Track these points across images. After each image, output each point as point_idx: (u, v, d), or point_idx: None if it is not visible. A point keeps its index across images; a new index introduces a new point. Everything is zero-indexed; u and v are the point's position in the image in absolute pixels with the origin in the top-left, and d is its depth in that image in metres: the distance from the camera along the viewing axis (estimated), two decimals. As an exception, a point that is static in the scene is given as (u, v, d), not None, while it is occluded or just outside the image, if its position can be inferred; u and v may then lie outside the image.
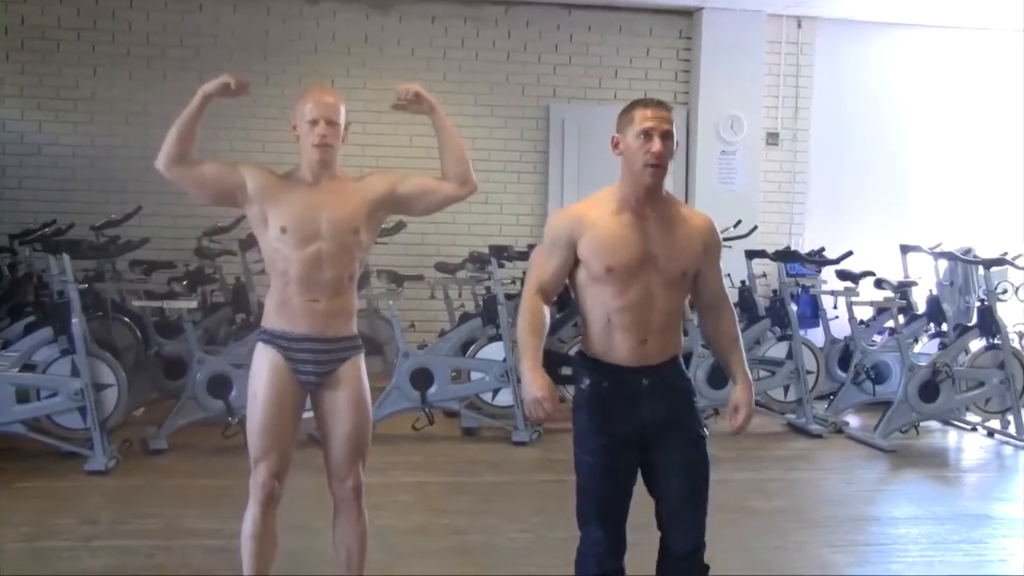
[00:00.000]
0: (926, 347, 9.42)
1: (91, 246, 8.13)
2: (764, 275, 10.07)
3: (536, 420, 3.47)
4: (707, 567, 3.61)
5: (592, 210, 3.55)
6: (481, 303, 8.63)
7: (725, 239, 3.93)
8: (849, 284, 8.88)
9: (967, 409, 8.72)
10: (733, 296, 8.03)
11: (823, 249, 9.73)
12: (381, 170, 4.16)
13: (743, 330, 6.94)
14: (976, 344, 8.71)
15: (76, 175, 10.16)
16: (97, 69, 10.17)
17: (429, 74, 10.38)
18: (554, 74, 10.92)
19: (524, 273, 8.92)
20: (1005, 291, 9.04)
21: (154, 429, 7.38)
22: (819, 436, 8.42)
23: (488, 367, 7.99)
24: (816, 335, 9.68)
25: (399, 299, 8.20)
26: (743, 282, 9.31)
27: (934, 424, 8.90)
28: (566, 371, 5.96)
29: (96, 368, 6.95)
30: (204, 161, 3.96)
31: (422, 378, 7.84)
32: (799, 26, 11.13)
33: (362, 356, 4.07)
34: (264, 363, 3.94)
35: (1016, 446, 8.40)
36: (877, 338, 9.67)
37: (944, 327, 9.26)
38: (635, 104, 3.53)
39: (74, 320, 6.79)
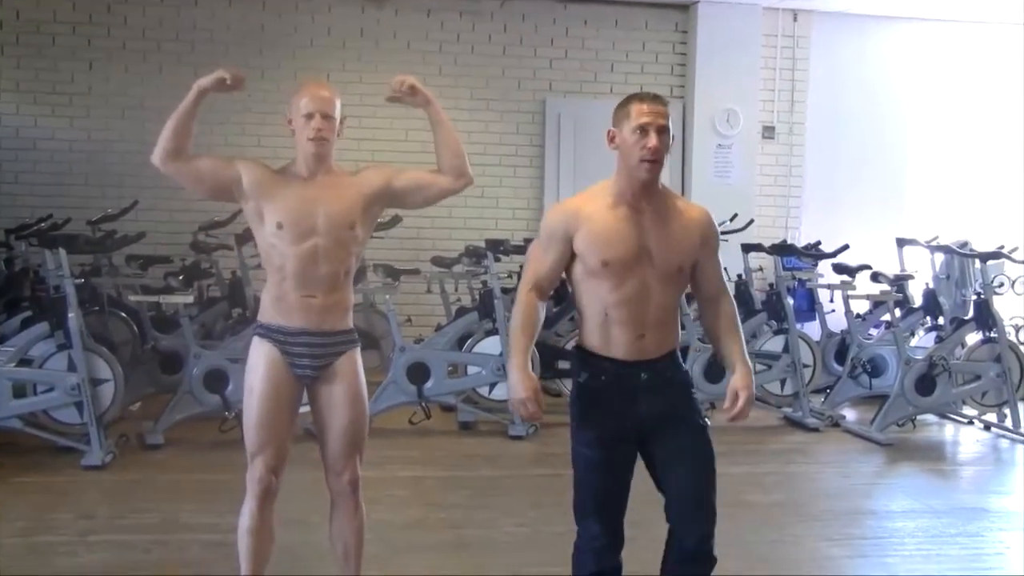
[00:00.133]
0: (922, 341, 9.42)
1: (87, 241, 8.12)
2: (760, 269, 10.06)
3: (522, 418, 3.49)
4: (715, 559, 3.60)
5: (588, 204, 3.55)
6: (477, 297, 8.62)
7: (721, 233, 3.91)
8: (845, 278, 8.89)
9: (964, 402, 8.72)
10: (730, 289, 8.02)
11: (819, 243, 9.74)
12: (377, 164, 4.15)
13: (740, 324, 6.93)
14: (973, 337, 8.71)
15: (72, 170, 10.17)
16: (93, 63, 10.16)
17: (425, 68, 10.38)
18: (550, 68, 10.92)
19: (521, 267, 9.02)
20: (1001, 284, 9.06)
21: (151, 424, 7.37)
22: (816, 430, 8.43)
23: (485, 361, 7.99)
24: (813, 329, 9.69)
25: (395, 293, 8.20)
26: (739, 276, 9.31)
27: (931, 418, 8.90)
28: (563, 365, 5.98)
29: (93, 363, 6.94)
30: (200, 156, 3.96)
31: (418, 372, 7.83)
32: (795, 19, 11.14)
33: (358, 350, 4.06)
34: (260, 357, 3.93)
35: (1013, 439, 8.41)
36: (873, 332, 9.68)
37: (940, 320, 9.28)
38: (631, 98, 3.51)
39: (70, 315, 6.78)
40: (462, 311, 8.67)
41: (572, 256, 3.55)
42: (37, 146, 10.16)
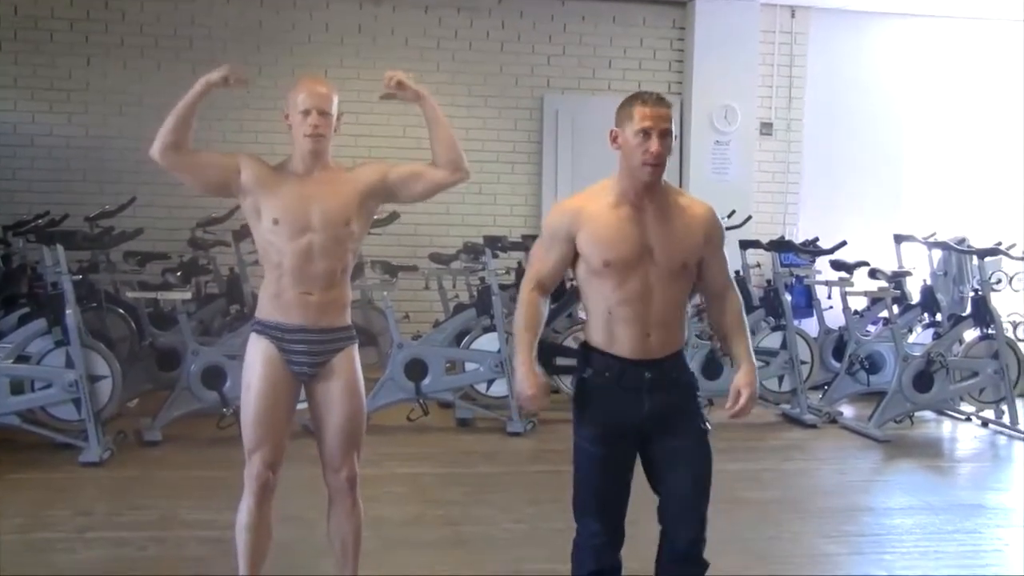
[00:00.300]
0: (920, 337, 9.42)
1: (85, 237, 8.11)
2: (758, 265, 10.06)
3: (526, 413, 3.53)
4: (707, 563, 3.61)
5: (591, 203, 3.55)
6: (475, 294, 8.62)
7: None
8: (843, 274, 8.89)
9: (961, 399, 8.74)
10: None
11: (817, 239, 9.74)
12: (373, 160, 4.15)
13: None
14: (970, 334, 8.72)
15: (70, 166, 10.15)
16: (91, 59, 10.14)
17: (423, 64, 10.37)
18: (548, 64, 10.91)
19: (519, 264, 9.06)
20: (999, 281, 9.05)
21: (148, 420, 7.37)
22: (813, 426, 8.43)
23: (482, 358, 7.99)
24: (810, 325, 9.70)
25: (393, 290, 8.20)
26: (737, 272, 9.26)
27: (928, 414, 8.91)
28: (562, 362, 5.96)
29: (90, 359, 6.94)
30: (199, 151, 3.97)
31: (416, 369, 7.84)
32: (793, 16, 11.13)
33: (356, 347, 4.06)
34: (257, 354, 3.93)
35: (1010, 436, 8.41)
36: (871, 328, 9.68)
37: (938, 317, 9.27)
38: (634, 100, 3.49)
39: (68, 311, 6.78)
40: (460, 307, 8.67)
41: (575, 255, 3.55)
42: (35, 142, 10.14)
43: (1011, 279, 9.25)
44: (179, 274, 8.43)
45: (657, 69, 11.04)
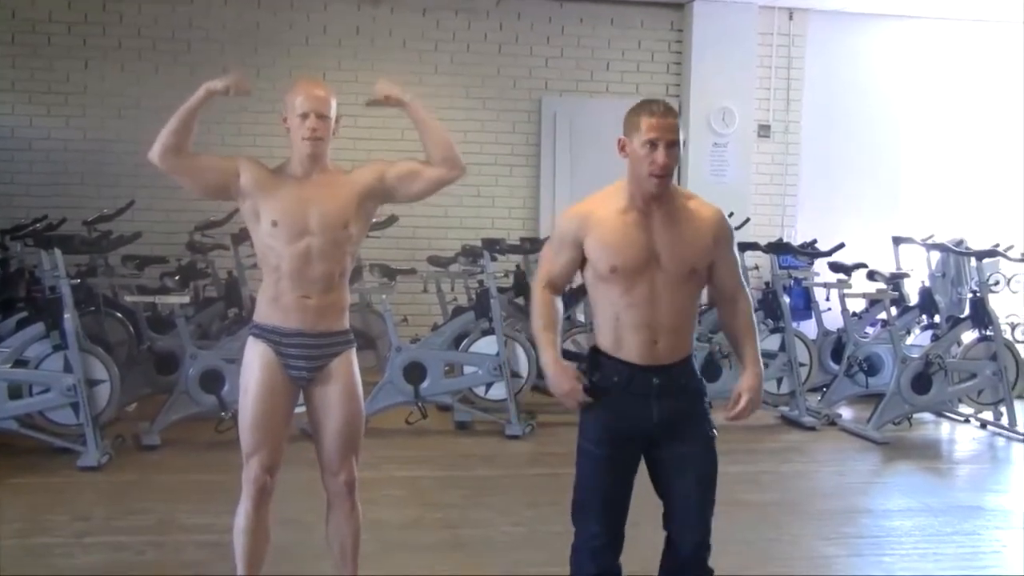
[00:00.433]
0: (919, 339, 9.43)
1: (83, 241, 8.10)
2: (756, 267, 10.06)
3: (571, 407, 3.53)
4: (711, 570, 3.61)
5: (600, 208, 3.55)
6: (474, 297, 8.61)
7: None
8: (842, 276, 8.89)
9: (960, 401, 8.73)
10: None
11: (815, 241, 9.74)
12: (371, 161, 4.15)
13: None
14: (968, 336, 8.71)
15: (68, 170, 10.14)
16: (88, 63, 10.14)
17: (421, 66, 10.40)
18: (546, 67, 10.91)
19: (517, 267, 9.07)
20: (997, 282, 9.07)
21: (147, 424, 7.37)
22: (812, 428, 8.42)
23: (481, 361, 7.99)
24: (809, 327, 9.69)
25: (392, 293, 8.19)
26: (736, 274, 9.28)
27: (927, 416, 8.91)
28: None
29: (89, 364, 6.92)
30: (199, 153, 3.97)
31: (415, 372, 7.83)
32: (790, 18, 11.14)
33: (354, 351, 4.06)
34: (255, 358, 3.93)
35: (1009, 437, 8.41)
36: (870, 330, 9.67)
37: (936, 319, 9.27)
38: (642, 110, 3.48)
39: (66, 315, 6.77)
40: (458, 311, 8.66)
41: (584, 259, 3.56)
42: (32, 146, 10.14)
43: (1009, 280, 9.26)
44: (177, 278, 8.42)
45: (655, 71, 11.05)
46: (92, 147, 10.17)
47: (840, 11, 11.03)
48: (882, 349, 8.86)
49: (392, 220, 8.77)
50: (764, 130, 11.17)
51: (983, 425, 8.72)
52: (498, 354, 7.91)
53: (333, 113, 3.92)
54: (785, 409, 8.73)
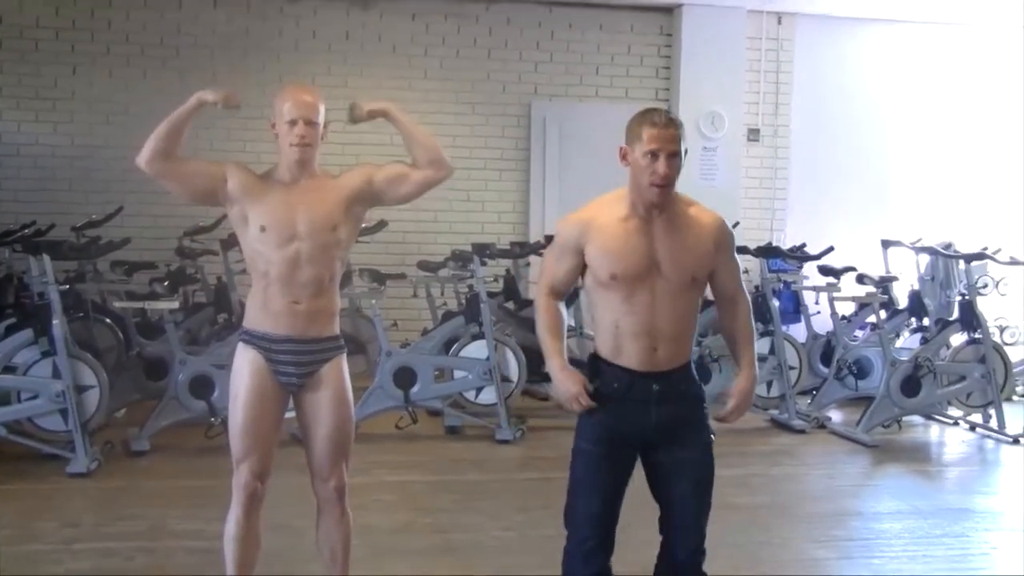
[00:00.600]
0: (908, 342, 9.45)
1: (72, 247, 8.09)
2: (746, 271, 9.97)
3: (577, 411, 3.54)
4: (705, 575, 3.62)
5: (601, 215, 3.56)
6: (464, 301, 8.61)
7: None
8: (831, 279, 8.90)
9: (949, 403, 8.74)
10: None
11: (804, 245, 9.75)
12: (359, 165, 4.15)
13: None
14: (957, 338, 8.72)
15: (56, 175, 10.11)
16: (76, 68, 10.11)
17: (410, 71, 10.40)
18: (535, 71, 10.91)
19: (507, 271, 9.07)
20: (985, 285, 9.08)
21: (136, 430, 7.35)
22: (802, 431, 8.44)
23: (471, 365, 7.98)
24: (798, 331, 9.69)
25: (381, 298, 8.19)
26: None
27: (916, 419, 8.91)
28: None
29: (77, 370, 6.90)
30: (186, 159, 3.97)
31: (405, 377, 7.82)
32: (779, 22, 11.15)
33: (344, 356, 4.06)
34: (245, 364, 3.93)
35: (998, 440, 8.43)
36: (859, 333, 9.69)
37: (925, 322, 9.30)
38: (644, 119, 3.48)
39: (55, 321, 6.75)
40: (448, 315, 8.66)
41: (585, 265, 3.57)
42: (20, 152, 10.10)
43: (997, 283, 9.29)
44: (166, 283, 8.39)
45: (644, 75, 11.06)
46: (80, 153, 10.14)
47: (828, 15, 11.05)
48: (871, 352, 8.87)
49: (382, 225, 8.76)
50: (753, 134, 11.18)
51: (972, 428, 8.75)
52: (488, 358, 7.91)
53: (321, 119, 3.92)
54: (775, 412, 8.74)
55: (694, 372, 3.67)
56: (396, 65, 10.38)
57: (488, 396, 8.05)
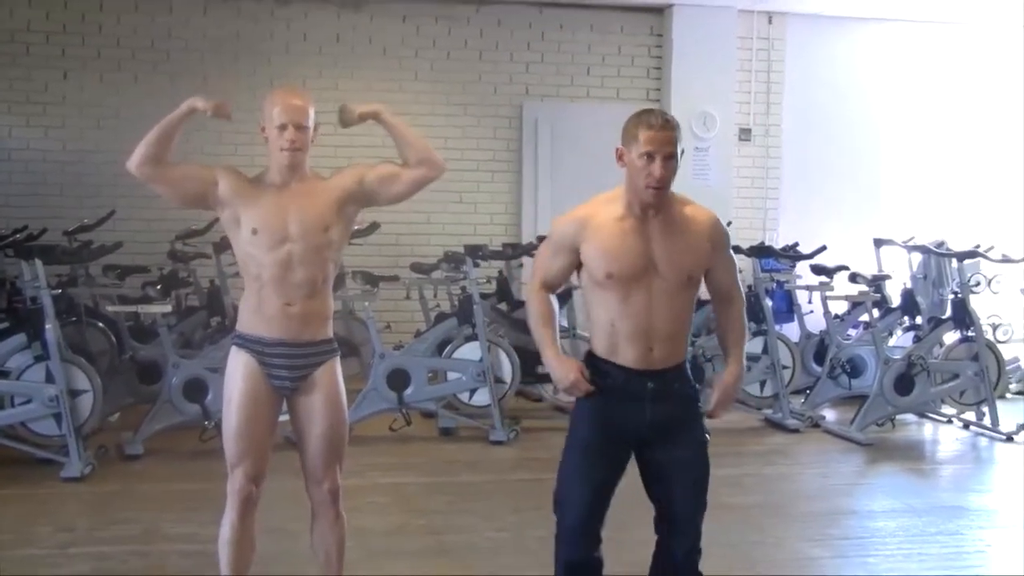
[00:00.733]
0: (901, 340, 9.46)
1: (64, 251, 8.08)
2: (739, 271, 10.05)
3: (578, 396, 3.54)
4: (701, 574, 3.63)
5: (598, 214, 3.57)
6: (456, 303, 8.61)
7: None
8: (823, 278, 8.92)
9: (942, 401, 8.76)
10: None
11: (797, 244, 9.76)
12: (351, 166, 4.15)
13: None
14: (950, 337, 8.75)
15: (47, 180, 10.09)
16: (67, 73, 10.09)
17: (401, 73, 10.40)
18: (526, 72, 10.91)
19: (500, 272, 9.06)
20: (978, 283, 9.11)
21: (130, 434, 7.33)
22: (796, 431, 8.44)
23: (464, 367, 7.98)
24: (791, 330, 9.70)
25: (374, 300, 8.18)
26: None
27: (910, 417, 8.93)
28: (542, 370, 5.99)
29: (71, 374, 6.90)
30: (177, 163, 3.97)
31: (398, 379, 7.82)
32: (770, 22, 11.17)
33: (337, 359, 4.05)
34: (238, 367, 3.92)
35: (991, 437, 8.45)
36: (852, 332, 9.70)
37: (918, 320, 9.32)
38: (640, 121, 3.49)
39: (48, 326, 6.75)
40: (441, 317, 8.66)
41: (580, 263, 3.58)
42: (12, 156, 10.08)
43: (990, 281, 9.31)
44: (159, 287, 8.40)
45: (635, 76, 11.06)
46: (72, 157, 10.12)
47: (819, 15, 11.07)
48: (865, 351, 8.89)
49: (374, 227, 8.76)
50: (745, 134, 11.19)
51: (966, 425, 8.76)
52: (481, 360, 7.91)
53: (311, 122, 3.92)
54: (768, 412, 8.75)
55: (688, 371, 3.68)
56: (387, 67, 10.37)
57: (482, 397, 8.06)
